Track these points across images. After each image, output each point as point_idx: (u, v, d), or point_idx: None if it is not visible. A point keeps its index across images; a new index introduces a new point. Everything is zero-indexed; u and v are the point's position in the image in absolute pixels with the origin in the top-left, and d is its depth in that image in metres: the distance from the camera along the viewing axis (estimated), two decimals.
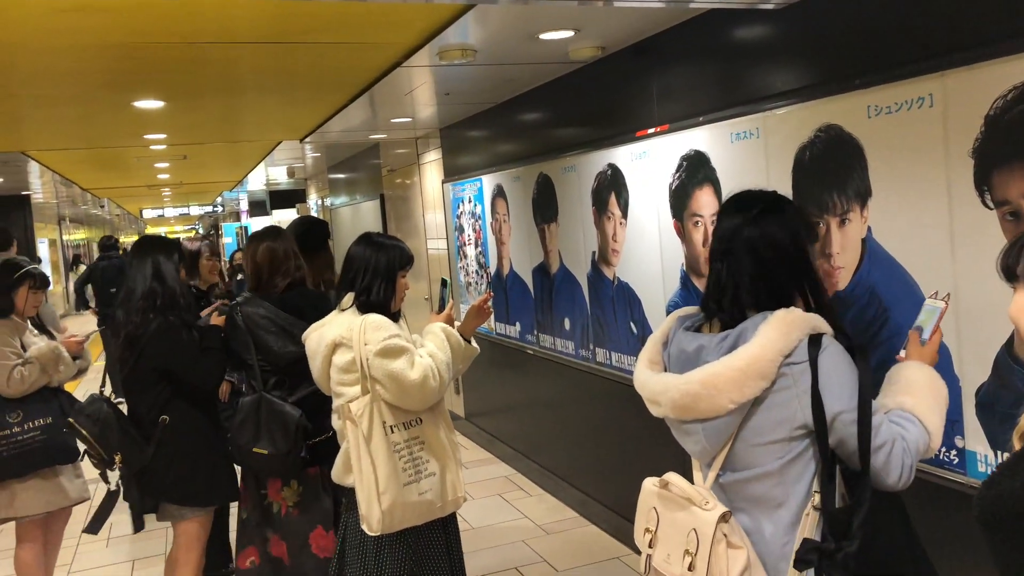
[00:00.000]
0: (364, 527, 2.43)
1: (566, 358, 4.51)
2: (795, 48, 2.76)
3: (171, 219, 22.78)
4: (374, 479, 2.37)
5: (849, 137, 2.49)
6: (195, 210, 19.37)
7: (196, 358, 2.98)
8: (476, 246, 5.71)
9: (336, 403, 2.55)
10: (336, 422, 2.59)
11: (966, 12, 2.14)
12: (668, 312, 3.52)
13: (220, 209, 19.31)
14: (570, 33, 3.34)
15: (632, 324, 3.84)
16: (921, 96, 2.23)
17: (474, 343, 2.76)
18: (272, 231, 3.23)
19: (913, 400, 1.69)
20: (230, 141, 6.59)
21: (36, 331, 3.53)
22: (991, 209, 2.06)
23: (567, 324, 4.48)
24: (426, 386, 2.42)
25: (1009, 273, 1.21)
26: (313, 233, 3.69)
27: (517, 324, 5.15)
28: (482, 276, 5.66)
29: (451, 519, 2.71)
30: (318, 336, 2.59)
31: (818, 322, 1.64)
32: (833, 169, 2.57)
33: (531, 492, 5.02)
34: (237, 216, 18.77)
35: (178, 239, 4.24)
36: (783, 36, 2.79)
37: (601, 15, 3.11)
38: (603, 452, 4.32)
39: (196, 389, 3.02)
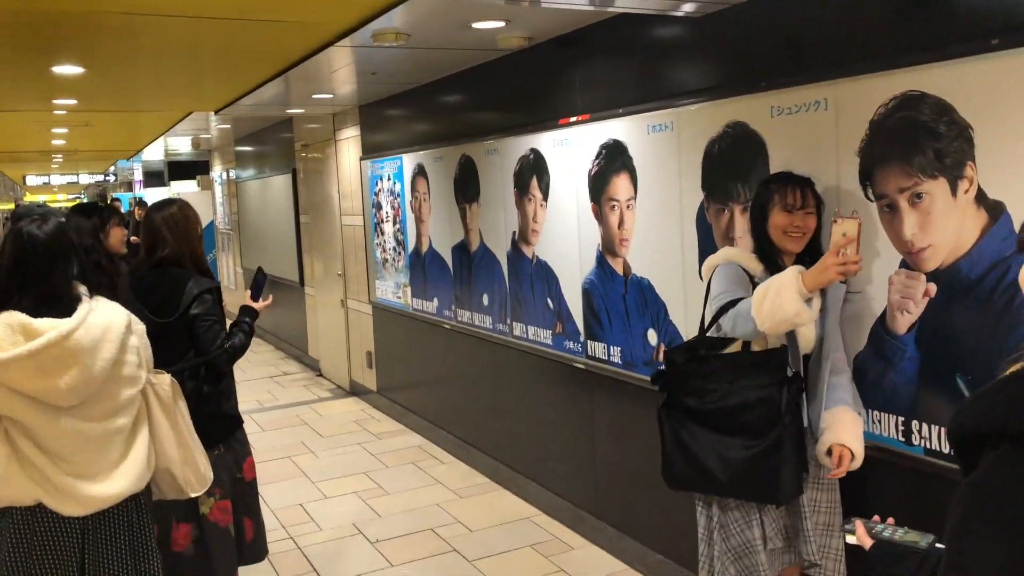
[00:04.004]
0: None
1: (483, 332, 4.73)
2: (709, 51, 3.05)
3: (56, 187, 21.64)
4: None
5: (754, 133, 2.80)
6: (84, 178, 18.50)
7: None
8: (394, 223, 5.84)
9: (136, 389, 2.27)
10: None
11: (857, 30, 2.46)
12: (584, 289, 3.80)
13: (113, 179, 18.52)
14: (501, 24, 3.53)
15: (549, 300, 4.09)
16: (817, 100, 2.55)
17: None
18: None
19: None
20: (142, 111, 6.46)
21: None
22: (872, 201, 2.40)
23: (486, 300, 4.69)
24: None
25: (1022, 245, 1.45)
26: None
27: (435, 300, 5.33)
28: (399, 253, 5.81)
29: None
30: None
31: None
32: (738, 161, 2.87)
33: (443, 460, 5.23)
34: (130, 186, 18.04)
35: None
36: (698, 39, 3.07)
37: (530, 9, 3.31)
38: (515, 421, 4.57)
39: None
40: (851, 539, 1.58)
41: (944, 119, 2.18)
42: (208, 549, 2.96)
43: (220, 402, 2.98)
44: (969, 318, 2.17)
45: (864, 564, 1.50)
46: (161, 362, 2.90)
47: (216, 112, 6.51)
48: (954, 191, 2.17)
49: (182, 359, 2.90)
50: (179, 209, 3.06)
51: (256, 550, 3.12)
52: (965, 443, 1.33)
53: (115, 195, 18.32)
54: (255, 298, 3.17)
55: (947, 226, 2.20)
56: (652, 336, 3.39)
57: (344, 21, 3.48)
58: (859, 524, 1.58)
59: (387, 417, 6.25)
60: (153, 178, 15.39)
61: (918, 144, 2.25)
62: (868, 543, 1.54)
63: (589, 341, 3.81)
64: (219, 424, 2.98)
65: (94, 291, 2.25)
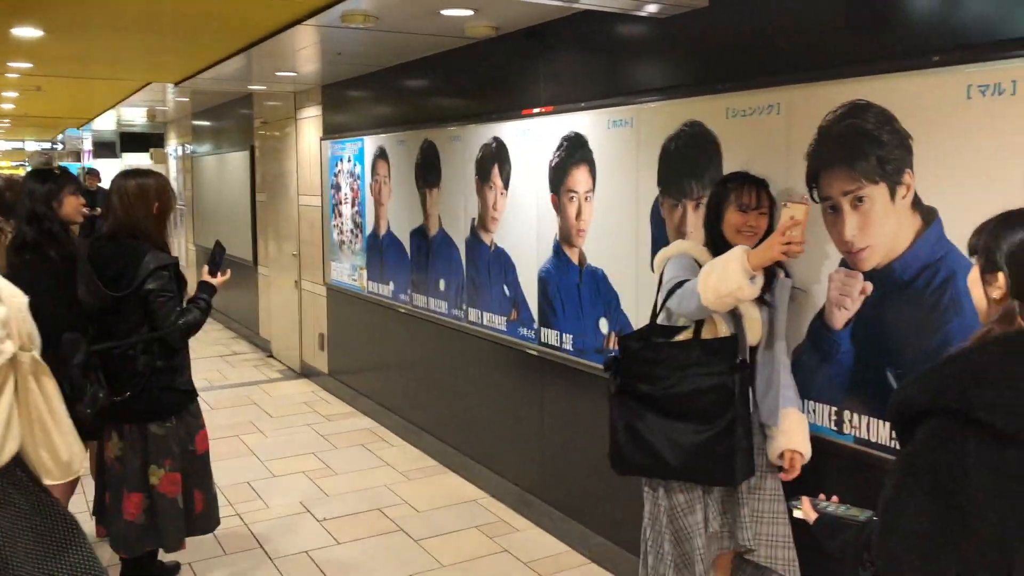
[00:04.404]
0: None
1: (438, 317, 4.79)
2: (670, 51, 3.15)
3: None
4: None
5: (709, 133, 2.91)
6: (31, 145, 17.99)
7: None
8: (353, 205, 5.85)
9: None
10: None
11: (811, 39, 2.58)
12: (540, 277, 3.88)
13: (60, 147, 18.04)
14: (469, 12, 3.59)
15: (505, 287, 4.16)
16: (771, 104, 2.67)
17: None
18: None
19: None
20: (98, 78, 6.34)
21: None
22: (818, 203, 2.52)
23: (442, 285, 4.75)
24: None
25: (971, 249, 1.57)
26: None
27: (391, 283, 5.37)
28: (356, 235, 5.83)
29: None
30: None
31: None
32: (693, 160, 2.98)
33: (393, 443, 5.28)
34: (78, 156, 17.60)
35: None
36: (660, 39, 3.17)
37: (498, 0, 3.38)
38: (466, 405, 4.64)
39: None
40: (798, 514, 1.74)
41: (887, 128, 2.31)
42: (157, 519, 2.99)
43: (173, 377, 2.99)
44: (900, 316, 2.30)
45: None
46: (115, 334, 2.91)
47: (176, 84, 6.43)
48: (893, 196, 2.30)
49: (136, 332, 2.91)
50: (137, 184, 3.04)
51: (206, 521, 3.15)
52: (903, 420, 1.45)
53: (61, 164, 17.85)
54: (213, 273, 3.18)
55: (885, 229, 2.33)
56: (604, 324, 3.49)
57: (313, 1, 3.50)
58: (805, 500, 1.73)
59: (338, 399, 6.27)
60: (104, 148, 15.03)
61: (862, 150, 2.37)
62: (813, 517, 1.69)
63: (543, 328, 3.89)
64: (171, 398, 3.00)
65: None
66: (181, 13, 3.86)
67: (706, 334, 2.43)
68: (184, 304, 3.00)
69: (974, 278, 1.51)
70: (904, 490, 1.42)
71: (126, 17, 3.93)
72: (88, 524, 3.13)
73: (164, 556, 3.38)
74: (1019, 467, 1.31)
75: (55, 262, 3.19)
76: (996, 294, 1.45)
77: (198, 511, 3.10)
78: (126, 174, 3.12)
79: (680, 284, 2.39)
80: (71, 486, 3.37)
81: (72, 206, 4.43)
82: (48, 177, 3.98)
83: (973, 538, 1.32)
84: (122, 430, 2.99)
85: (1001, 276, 1.43)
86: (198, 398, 3.15)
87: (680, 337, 2.45)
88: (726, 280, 2.21)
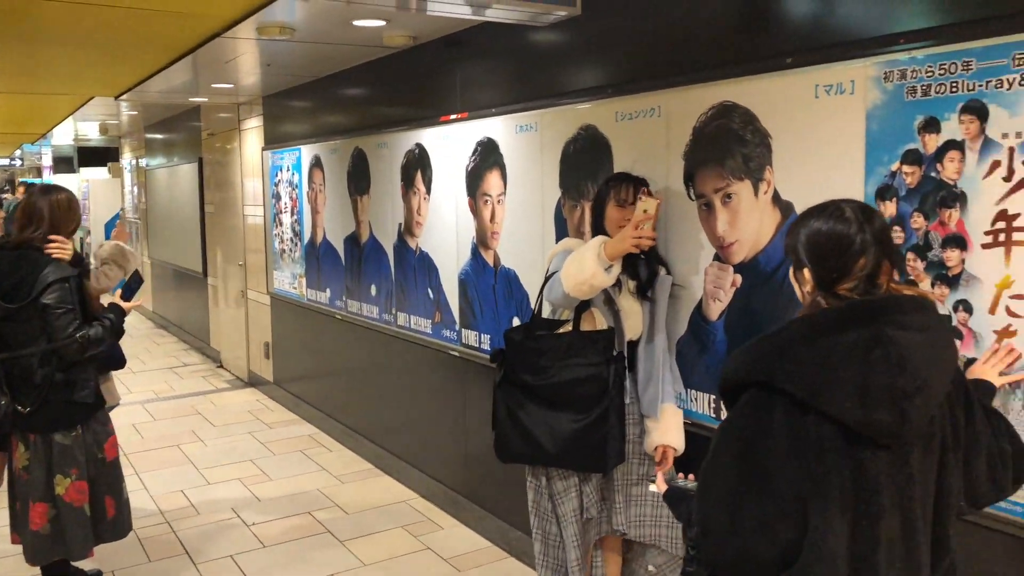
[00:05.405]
0: None
1: (371, 322, 4.86)
2: (567, 58, 3.25)
3: None
4: None
5: (602, 136, 3.01)
6: None
7: None
8: (292, 214, 5.91)
9: None
10: None
11: (686, 44, 2.69)
12: (460, 280, 3.97)
13: (20, 163, 17.89)
14: (382, 23, 3.68)
15: (430, 290, 4.24)
16: (652, 107, 2.78)
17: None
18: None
19: None
20: (39, 93, 6.36)
21: None
22: (693, 200, 2.63)
23: (373, 290, 4.82)
24: None
25: (784, 250, 1.65)
26: None
27: (327, 290, 5.43)
28: (296, 244, 5.88)
29: None
30: None
31: None
32: (589, 161, 3.08)
33: (331, 448, 5.33)
34: (39, 172, 17.46)
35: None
36: (559, 46, 3.28)
37: (407, 11, 3.47)
38: (398, 409, 4.71)
39: None
40: (652, 488, 1.86)
41: (750, 127, 2.42)
42: (63, 528, 3.02)
43: (73, 391, 2.99)
44: (765, 306, 2.41)
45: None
46: (14, 346, 2.95)
47: (116, 98, 6.46)
48: (756, 192, 2.42)
49: (35, 344, 2.93)
50: (66, 197, 3.13)
51: (118, 527, 3.18)
52: (727, 393, 1.56)
53: (22, 180, 17.70)
54: (126, 298, 3.30)
55: (750, 224, 2.44)
56: (516, 324, 3.57)
57: (227, 13, 3.57)
58: (660, 475, 1.85)
59: (281, 407, 6.31)
60: (63, 164, 14.96)
61: (730, 149, 2.49)
62: (663, 489, 1.80)
63: (463, 329, 3.97)
64: (71, 410, 3.01)
65: None
66: (104, 29, 3.91)
67: (585, 327, 2.53)
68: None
69: (792, 276, 1.61)
70: (718, 455, 1.52)
71: (52, 34, 3.98)
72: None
73: (85, 563, 3.41)
74: (817, 432, 1.41)
75: None
76: (807, 288, 1.54)
77: (110, 516, 3.13)
78: (48, 188, 3.18)
79: (554, 275, 2.49)
80: None
81: None
82: None
83: (774, 496, 1.42)
84: (28, 440, 3.02)
85: (807, 272, 1.53)
86: (105, 406, 3.18)
87: (562, 330, 2.55)
88: (583, 268, 2.31)
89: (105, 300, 3.26)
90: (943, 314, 1.97)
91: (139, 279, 3.55)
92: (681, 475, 1.86)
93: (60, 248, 3.01)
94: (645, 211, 2.30)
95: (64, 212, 3.09)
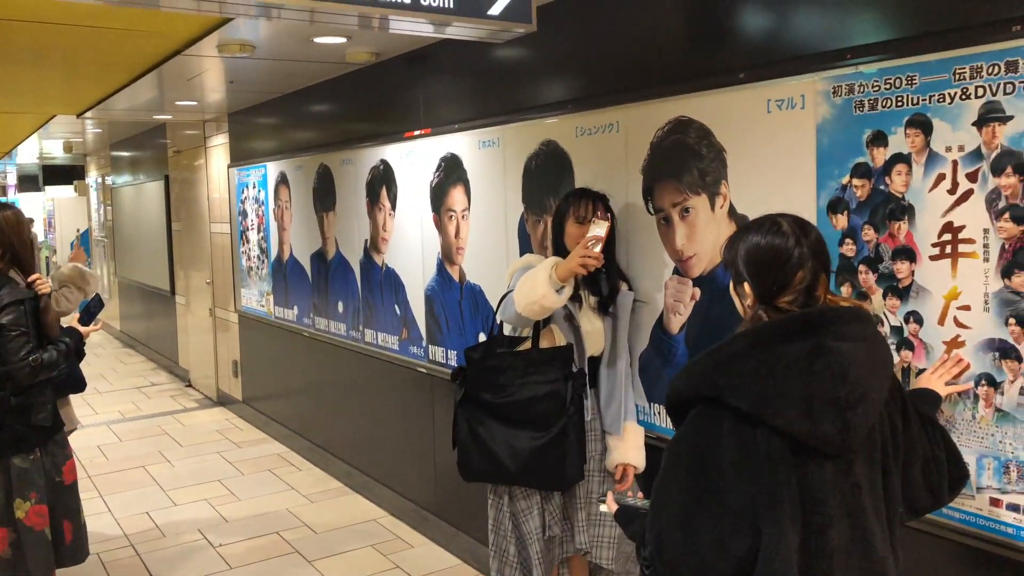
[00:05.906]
0: None
1: (338, 339, 4.83)
2: (528, 75, 3.27)
3: None
4: None
5: (562, 151, 3.03)
6: None
7: None
8: (259, 231, 5.87)
9: None
10: None
11: (643, 60, 2.72)
12: (426, 296, 3.96)
13: None
14: (342, 40, 3.68)
15: (396, 306, 4.23)
16: (611, 123, 2.80)
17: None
18: None
19: None
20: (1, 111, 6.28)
21: None
22: (652, 215, 2.65)
23: (340, 307, 4.79)
24: None
25: (723, 264, 1.66)
26: None
27: (295, 308, 5.39)
28: (263, 261, 5.84)
29: None
30: None
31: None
32: (550, 177, 3.10)
33: (301, 467, 5.28)
34: (3, 191, 17.21)
35: None
36: (520, 64, 3.30)
37: (367, 28, 3.47)
38: (366, 426, 4.68)
39: None
40: (603, 508, 1.85)
41: (705, 142, 2.45)
42: (24, 553, 2.96)
43: (29, 414, 2.92)
44: (722, 319, 2.43)
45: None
46: None
47: (78, 116, 6.39)
48: (712, 206, 2.44)
49: None
50: (13, 213, 3.08)
51: (75, 552, 3.12)
52: (675, 410, 1.56)
53: None
54: (84, 323, 3.25)
55: (707, 237, 2.46)
56: (482, 339, 3.57)
57: (186, 32, 3.55)
58: (610, 495, 1.84)
59: (250, 426, 6.24)
60: (28, 182, 14.76)
61: (686, 163, 2.51)
62: (614, 508, 1.79)
63: (430, 345, 3.96)
64: (27, 433, 2.95)
65: None
66: (63, 47, 3.87)
67: (545, 343, 2.53)
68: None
69: (732, 291, 1.62)
70: (669, 472, 1.52)
71: (9, 53, 3.93)
72: None
73: None
74: (766, 445, 1.42)
75: None
76: (748, 302, 1.55)
77: (68, 542, 3.07)
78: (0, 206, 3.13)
79: (509, 293, 2.49)
80: None
81: None
82: None
83: (727, 511, 1.42)
84: None
85: (747, 286, 1.54)
86: (63, 428, 3.13)
87: (521, 347, 2.55)
88: (535, 289, 2.31)
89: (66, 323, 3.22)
90: (880, 326, 2.00)
91: (100, 302, 3.51)
92: (630, 493, 1.85)
93: (43, 283, 3.01)
94: (595, 234, 2.31)
95: (15, 226, 3.04)
